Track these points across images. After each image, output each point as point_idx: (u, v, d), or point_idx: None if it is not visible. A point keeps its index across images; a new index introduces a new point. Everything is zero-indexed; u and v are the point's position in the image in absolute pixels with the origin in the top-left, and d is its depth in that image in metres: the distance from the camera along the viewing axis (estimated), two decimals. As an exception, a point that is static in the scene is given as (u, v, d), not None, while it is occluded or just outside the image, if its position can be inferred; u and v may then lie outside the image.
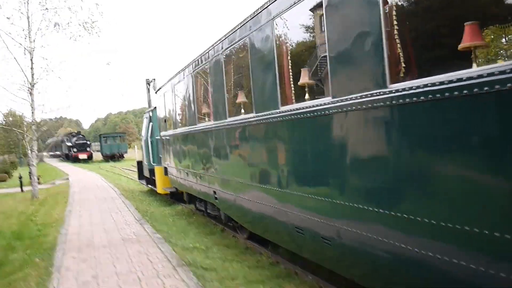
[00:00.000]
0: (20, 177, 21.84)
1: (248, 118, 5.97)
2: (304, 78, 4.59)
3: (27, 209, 14.70)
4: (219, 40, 7.13)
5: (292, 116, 4.71)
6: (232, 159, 6.92)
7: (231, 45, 6.61)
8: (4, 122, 27.19)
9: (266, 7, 5.23)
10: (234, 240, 8.48)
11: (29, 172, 18.65)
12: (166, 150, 12.25)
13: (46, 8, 17.48)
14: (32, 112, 18.22)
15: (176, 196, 13.74)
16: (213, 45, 7.48)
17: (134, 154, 63.41)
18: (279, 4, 4.89)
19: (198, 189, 9.23)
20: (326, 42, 4.00)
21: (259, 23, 5.47)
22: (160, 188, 14.33)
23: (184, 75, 9.56)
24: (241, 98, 6.44)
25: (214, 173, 7.79)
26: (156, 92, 13.59)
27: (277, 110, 5.04)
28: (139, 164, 19.01)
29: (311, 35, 4.73)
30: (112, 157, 54.35)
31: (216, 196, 7.88)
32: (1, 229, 10.96)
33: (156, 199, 15.54)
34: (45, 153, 73.80)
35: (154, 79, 23.40)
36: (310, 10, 4.49)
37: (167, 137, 11.90)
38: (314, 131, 4.37)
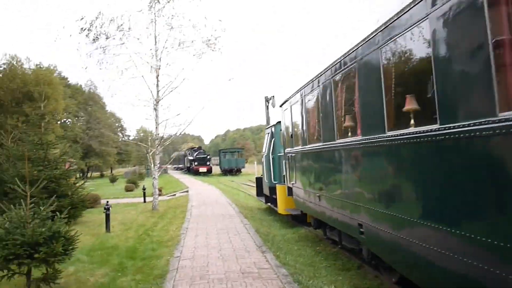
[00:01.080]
0: (144, 189, 22.31)
1: (426, 131, 4.20)
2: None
3: (146, 221, 14.42)
4: (376, 31, 5.48)
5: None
6: (392, 185, 5.16)
7: (396, 35, 4.91)
8: (136, 137, 28.60)
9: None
10: (377, 282, 6.71)
11: (152, 184, 18.76)
12: (291, 168, 10.82)
13: (172, 27, 17.63)
14: (156, 127, 18.46)
15: (298, 218, 12.27)
16: (365, 39, 5.86)
17: (251, 169, 64.42)
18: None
19: (333, 217, 7.58)
20: None
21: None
22: (282, 209, 12.98)
23: (319, 82, 8.06)
24: (410, 105, 4.67)
25: (361, 201, 6.07)
26: (280, 106, 12.33)
27: (494, 118, 3.21)
28: (258, 180, 18.00)
29: None
30: (230, 171, 55.40)
31: (361, 230, 6.14)
32: (118, 243, 10.48)
33: (276, 219, 14.25)
34: (169, 166, 78.21)
35: (273, 96, 22.82)
36: None
37: (293, 154, 10.48)
38: None
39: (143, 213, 16.95)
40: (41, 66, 52.58)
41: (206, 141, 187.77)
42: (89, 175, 77.31)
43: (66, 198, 14.86)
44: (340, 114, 7.04)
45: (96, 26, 17.29)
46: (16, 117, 39.01)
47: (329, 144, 7.42)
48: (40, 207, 7.46)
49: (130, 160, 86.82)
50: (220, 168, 58.16)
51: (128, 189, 31.43)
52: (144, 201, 21.40)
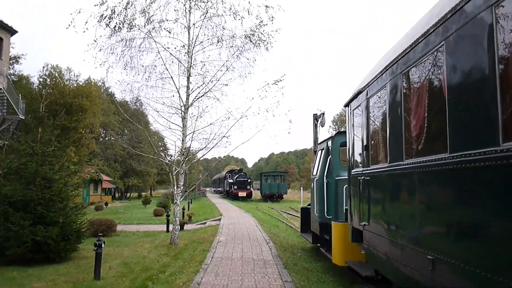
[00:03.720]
0: (168, 215, 18.83)
1: None
2: None
3: (155, 263, 10.81)
4: None
5: None
6: None
7: None
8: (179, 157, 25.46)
9: None
10: None
11: (173, 212, 15.15)
12: (363, 199, 6.77)
13: (207, 12, 14.39)
14: (182, 140, 15.02)
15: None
16: None
17: (293, 195, 60.02)
18: None
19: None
20: None
21: None
22: (339, 259, 8.94)
23: (428, 42, 4.11)
24: None
25: None
26: (346, 105, 8.37)
27: None
28: (304, 212, 13.94)
29: None
30: (271, 197, 51.38)
31: None
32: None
33: (327, 266, 10.26)
34: (208, 189, 74.79)
35: (323, 113, 19.14)
36: None
37: (368, 178, 6.46)
38: None
39: (158, 248, 13.35)
40: (90, 81, 50.76)
41: (250, 164, 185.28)
42: (128, 195, 75.27)
43: (55, 226, 11.46)
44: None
45: (119, 14, 14.12)
46: (50, 130, 36.94)
47: (479, 155, 3.41)
48: None
49: (170, 180, 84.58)
50: (261, 193, 54.31)
51: (157, 214, 28.11)
52: (167, 231, 17.94)
